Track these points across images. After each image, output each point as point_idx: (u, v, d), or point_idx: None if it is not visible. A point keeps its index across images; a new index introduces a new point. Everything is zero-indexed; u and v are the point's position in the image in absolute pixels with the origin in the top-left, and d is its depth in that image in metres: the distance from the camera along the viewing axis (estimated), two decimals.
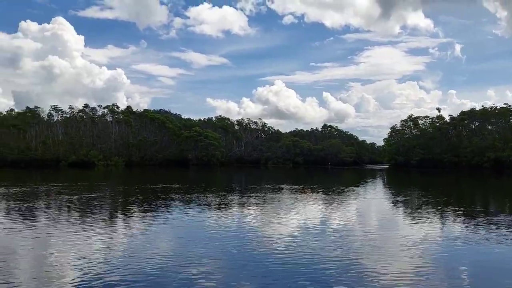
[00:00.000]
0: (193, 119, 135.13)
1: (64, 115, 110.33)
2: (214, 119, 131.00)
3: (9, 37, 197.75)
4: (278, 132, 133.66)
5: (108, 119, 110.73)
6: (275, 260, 10.97)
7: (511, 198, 30.85)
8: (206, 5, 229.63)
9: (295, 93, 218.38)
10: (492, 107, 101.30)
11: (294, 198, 27.38)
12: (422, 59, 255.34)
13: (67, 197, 26.01)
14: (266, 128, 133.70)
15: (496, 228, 15.74)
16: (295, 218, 18.71)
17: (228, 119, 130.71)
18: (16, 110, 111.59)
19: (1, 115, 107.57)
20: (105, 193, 29.77)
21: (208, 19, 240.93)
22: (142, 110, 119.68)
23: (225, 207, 21.96)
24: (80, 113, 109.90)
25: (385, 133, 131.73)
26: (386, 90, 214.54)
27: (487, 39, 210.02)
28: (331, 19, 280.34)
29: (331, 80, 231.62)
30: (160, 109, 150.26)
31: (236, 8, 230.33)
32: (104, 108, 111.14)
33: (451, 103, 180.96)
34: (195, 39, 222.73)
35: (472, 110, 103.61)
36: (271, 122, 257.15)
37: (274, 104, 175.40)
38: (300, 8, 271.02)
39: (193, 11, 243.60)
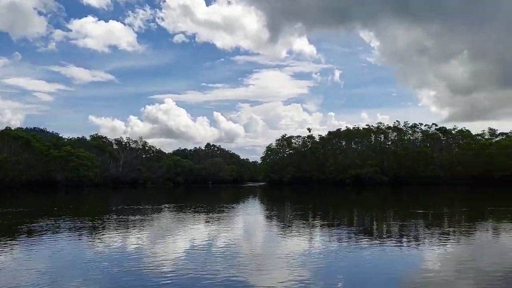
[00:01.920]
0: (65, 138, 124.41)
1: None
2: (88, 138, 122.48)
3: None
4: (159, 151, 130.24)
5: None
6: (161, 281, 10.83)
7: (365, 210, 34.87)
8: (90, 18, 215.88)
9: (186, 112, 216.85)
10: (355, 127, 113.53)
11: (176, 218, 27.07)
12: (306, 83, 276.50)
13: None
14: (147, 148, 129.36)
15: (356, 237, 17.81)
16: (180, 238, 18.65)
17: (106, 137, 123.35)
18: None
19: None
20: None
21: (93, 33, 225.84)
22: (5, 128, 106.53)
23: (102, 231, 20.75)
24: None
25: None
26: (273, 112, 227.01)
27: (362, 66, 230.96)
28: (222, 41, 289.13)
29: (222, 101, 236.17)
30: (35, 127, 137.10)
31: (124, 24, 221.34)
32: None
33: (330, 124, 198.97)
34: (77, 53, 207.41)
35: (338, 130, 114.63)
36: (160, 141, 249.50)
37: (164, 122, 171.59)
38: (191, 28, 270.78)
39: (75, 24, 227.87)
